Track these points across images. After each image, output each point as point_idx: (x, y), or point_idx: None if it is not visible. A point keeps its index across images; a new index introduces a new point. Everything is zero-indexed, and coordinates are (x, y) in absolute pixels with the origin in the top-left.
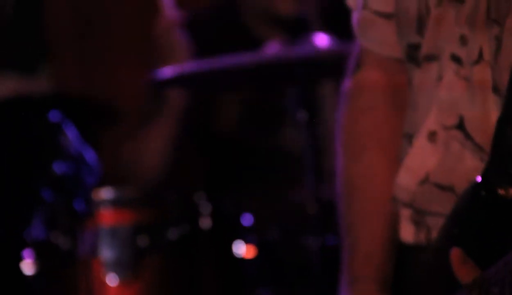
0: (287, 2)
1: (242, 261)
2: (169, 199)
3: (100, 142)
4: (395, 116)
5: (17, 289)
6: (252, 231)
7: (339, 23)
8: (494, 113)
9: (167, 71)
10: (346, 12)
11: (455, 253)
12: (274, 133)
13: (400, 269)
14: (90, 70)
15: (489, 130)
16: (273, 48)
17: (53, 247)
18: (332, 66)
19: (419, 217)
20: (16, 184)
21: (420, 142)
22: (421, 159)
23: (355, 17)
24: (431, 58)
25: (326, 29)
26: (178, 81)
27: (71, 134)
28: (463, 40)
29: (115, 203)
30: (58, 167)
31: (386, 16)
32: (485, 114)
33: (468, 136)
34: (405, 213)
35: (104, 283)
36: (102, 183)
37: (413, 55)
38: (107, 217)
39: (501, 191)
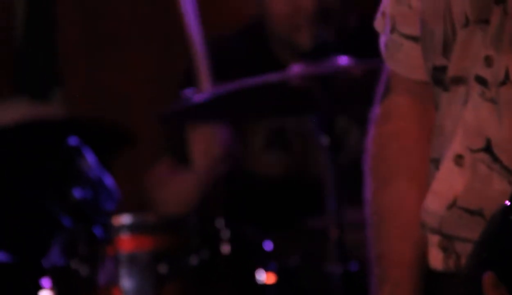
0: (306, 36)
1: (262, 287)
2: (189, 225)
3: (115, 167)
4: (423, 141)
5: None
6: (272, 257)
7: (362, 45)
8: None
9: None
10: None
11: (488, 278)
12: (296, 159)
13: None
14: (102, 94)
15: None
16: (296, 70)
17: (72, 274)
18: (355, 88)
19: (447, 243)
20: (34, 210)
21: (447, 166)
22: (449, 183)
23: (382, 40)
24: (458, 81)
25: (349, 51)
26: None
27: (89, 159)
28: (488, 61)
29: (135, 229)
30: (77, 193)
31: (414, 39)
32: None
33: (495, 158)
34: (434, 239)
35: None
36: (120, 209)
37: (440, 78)
38: (126, 244)
39: None
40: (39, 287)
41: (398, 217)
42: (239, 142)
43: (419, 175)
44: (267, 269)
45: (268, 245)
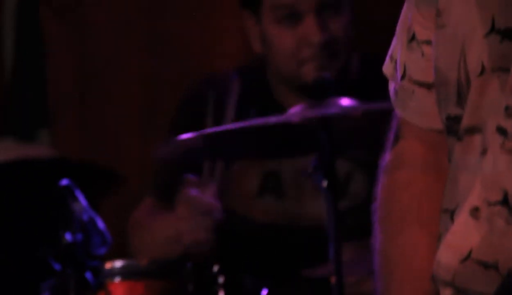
0: (311, 71)
1: None
2: (183, 271)
3: (105, 210)
4: (435, 190)
5: None
6: None
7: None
8: None
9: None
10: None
11: None
12: (292, 205)
13: None
14: (92, 135)
15: None
16: (296, 110)
17: None
18: (356, 130)
19: None
20: (24, 253)
21: (463, 219)
22: (464, 236)
23: (392, 86)
24: (473, 130)
25: (350, 93)
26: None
27: (81, 201)
28: (509, 112)
29: (126, 274)
30: (68, 236)
31: (427, 86)
32: None
33: None
34: (446, 293)
35: None
36: (112, 252)
37: (454, 128)
38: (118, 289)
39: None
40: None
41: (408, 267)
42: (229, 187)
43: (429, 225)
44: None
45: (265, 294)
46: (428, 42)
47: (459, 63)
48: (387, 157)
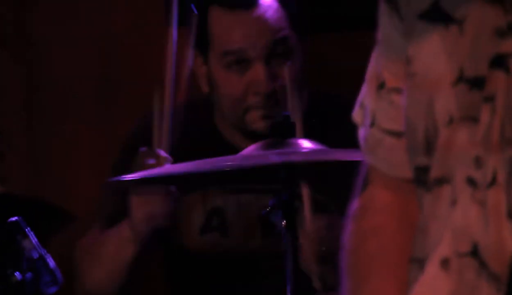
0: (255, 119)
1: None
2: None
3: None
4: (403, 238)
5: None
6: None
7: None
8: (510, 242)
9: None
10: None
11: None
12: (236, 241)
13: None
14: (39, 170)
15: (505, 259)
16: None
17: None
18: (312, 171)
19: None
20: None
21: (432, 269)
22: (433, 287)
23: (362, 133)
24: (442, 181)
25: (309, 135)
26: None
27: (31, 239)
28: (478, 162)
29: None
30: (18, 274)
31: (396, 135)
32: (501, 242)
33: (483, 264)
34: None
35: None
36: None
37: (422, 178)
38: None
39: None
40: None
41: None
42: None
43: (397, 273)
44: None
45: None
46: (398, 90)
47: (427, 112)
48: (355, 204)
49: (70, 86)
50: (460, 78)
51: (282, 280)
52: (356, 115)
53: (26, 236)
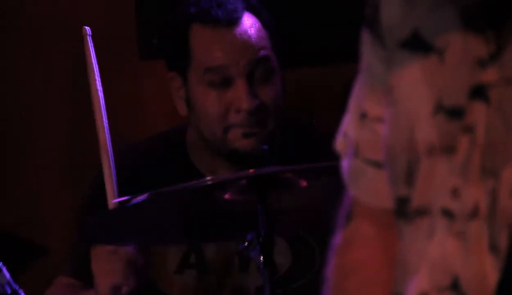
0: (236, 137)
1: None
2: None
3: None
4: (387, 272)
5: None
6: None
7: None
8: (492, 275)
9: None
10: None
11: None
12: (215, 281)
13: None
14: (11, 203)
15: (488, 292)
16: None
17: None
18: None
19: None
20: None
21: None
22: None
23: (345, 164)
24: (422, 212)
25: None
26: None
27: (5, 274)
28: (456, 193)
29: None
30: None
31: (379, 164)
32: (482, 275)
33: None
34: None
35: None
36: None
37: (403, 210)
38: None
39: None
40: None
41: None
42: (150, 260)
43: None
44: None
45: None
46: (381, 120)
47: (408, 142)
48: (338, 237)
49: (39, 119)
50: (440, 108)
51: None
52: (339, 144)
53: (1, 271)
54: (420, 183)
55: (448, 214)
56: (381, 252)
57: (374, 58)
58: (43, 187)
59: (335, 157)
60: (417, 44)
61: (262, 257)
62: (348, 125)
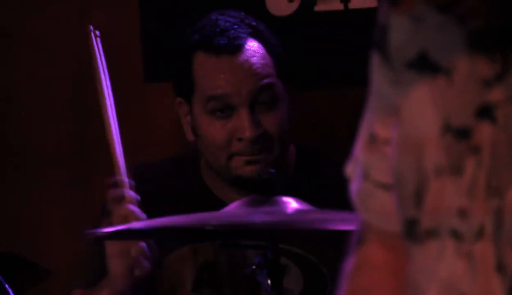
0: (239, 165)
1: None
2: None
3: None
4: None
5: None
6: None
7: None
8: (498, 294)
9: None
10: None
11: None
12: None
13: None
14: (11, 226)
15: None
16: (234, 208)
17: None
18: (298, 231)
19: None
20: None
21: None
22: None
23: (354, 187)
24: (431, 234)
25: (290, 189)
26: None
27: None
28: (463, 214)
29: None
30: None
31: (389, 187)
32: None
33: None
34: None
35: None
36: None
37: (412, 231)
38: None
39: None
40: None
41: None
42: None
43: None
44: None
45: None
46: (389, 142)
47: (416, 163)
48: (350, 262)
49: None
50: (448, 129)
51: None
52: (349, 169)
53: (5, 291)
54: (428, 204)
55: (456, 235)
56: (392, 277)
57: (383, 79)
58: (47, 200)
59: (346, 189)
60: (425, 65)
61: (269, 280)
62: (358, 149)
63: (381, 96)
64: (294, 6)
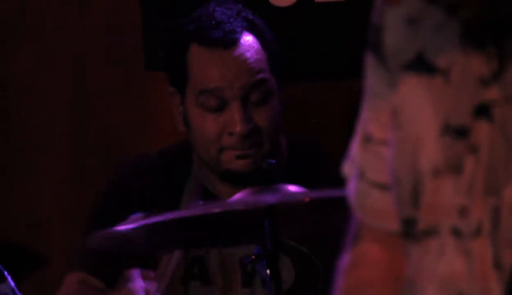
0: (230, 159)
1: None
2: None
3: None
4: (393, 293)
5: None
6: None
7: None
8: (496, 292)
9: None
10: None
11: None
12: (221, 291)
13: None
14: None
15: None
16: (241, 198)
17: None
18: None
19: None
20: None
21: None
22: None
23: (351, 187)
24: (429, 233)
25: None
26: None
27: (10, 282)
28: (463, 212)
29: None
30: None
31: (385, 187)
32: (487, 292)
33: None
34: None
35: None
36: None
37: (410, 231)
38: None
39: None
40: None
41: None
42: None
43: None
44: None
45: None
46: (385, 142)
47: (412, 164)
48: (345, 258)
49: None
50: (447, 129)
51: None
52: (346, 169)
53: (4, 279)
54: (426, 204)
55: (456, 233)
56: (388, 273)
57: (378, 80)
58: (46, 190)
59: (339, 180)
60: (422, 66)
61: (268, 271)
62: (354, 149)
63: (376, 96)
64: None
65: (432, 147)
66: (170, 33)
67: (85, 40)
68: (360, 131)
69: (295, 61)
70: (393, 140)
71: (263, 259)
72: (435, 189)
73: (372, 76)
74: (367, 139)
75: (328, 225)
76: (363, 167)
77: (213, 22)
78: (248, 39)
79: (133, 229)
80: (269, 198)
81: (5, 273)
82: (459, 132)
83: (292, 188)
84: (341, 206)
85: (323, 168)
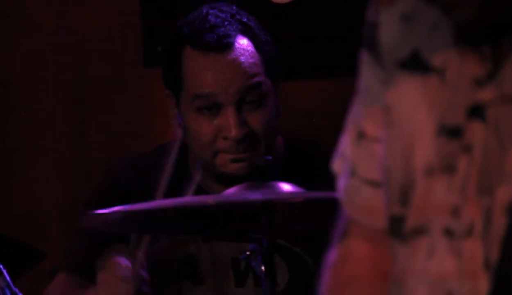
0: (225, 162)
1: None
2: None
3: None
4: (380, 288)
5: None
6: None
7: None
8: (484, 292)
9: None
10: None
11: None
12: (209, 291)
13: None
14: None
15: None
16: (236, 191)
17: None
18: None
19: None
20: None
21: None
22: None
23: (341, 183)
24: (419, 232)
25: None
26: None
27: (6, 277)
28: (456, 212)
29: None
30: None
31: (376, 184)
32: (477, 292)
33: None
34: None
35: None
36: None
37: (397, 229)
38: None
39: None
40: None
41: None
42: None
43: None
44: None
45: None
46: (378, 139)
47: (405, 162)
48: (333, 254)
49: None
50: (442, 128)
51: None
52: (336, 165)
53: (1, 274)
54: (416, 203)
55: (449, 233)
56: (375, 269)
57: (372, 78)
58: (46, 190)
59: (333, 179)
60: (417, 65)
61: (263, 267)
62: (345, 145)
63: (371, 94)
64: None
65: (427, 146)
66: (166, 37)
67: (85, 40)
68: (352, 128)
69: (295, 60)
70: (385, 137)
71: (258, 255)
72: (427, 188)
73: (367, 73)
74: (360, 136)
75: (321, 225)
76: (355, 164)
77: (207, 25)
78: (242, 42)
79: (123, 212)
80: (256, 194)
81: (1, 267)
82: (453, 132)
83: (286, 186)
84: (334, 207)
85: (322, 168)
